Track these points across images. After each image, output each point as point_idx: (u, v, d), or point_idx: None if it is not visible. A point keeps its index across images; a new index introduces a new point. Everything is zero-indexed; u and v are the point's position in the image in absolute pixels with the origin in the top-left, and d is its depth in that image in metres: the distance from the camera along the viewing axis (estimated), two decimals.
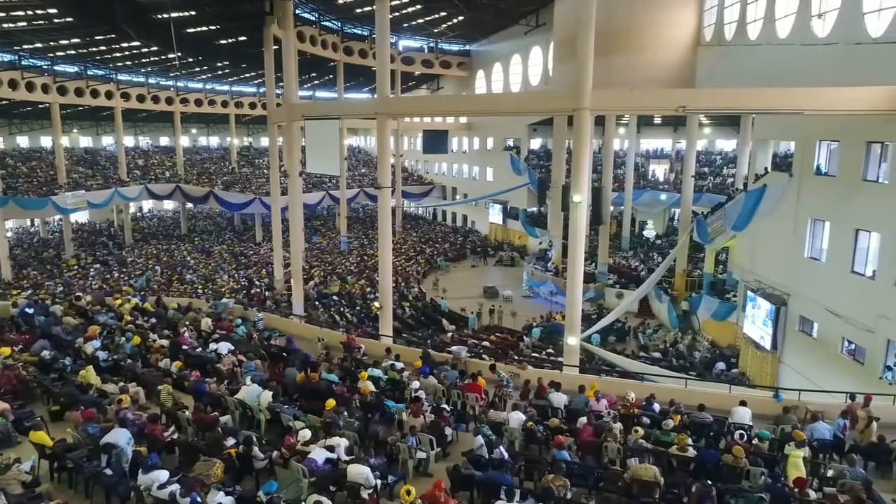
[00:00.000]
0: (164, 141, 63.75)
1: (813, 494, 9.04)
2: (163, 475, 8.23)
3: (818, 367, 19.57)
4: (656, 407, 12.76)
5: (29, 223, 53.27)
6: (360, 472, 8.84)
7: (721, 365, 23.74)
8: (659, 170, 44.61)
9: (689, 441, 10.67)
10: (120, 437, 9.17)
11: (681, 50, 29.97)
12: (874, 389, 15.66)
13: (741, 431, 11.55)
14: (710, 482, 8.96)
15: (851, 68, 17.89)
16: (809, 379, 19.45)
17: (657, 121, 44.05)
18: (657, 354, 25.22)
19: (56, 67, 41.67)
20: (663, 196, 40.03)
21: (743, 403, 12.49)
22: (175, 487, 8.04)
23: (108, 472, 8.73)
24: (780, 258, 21.65)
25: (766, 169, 24.52)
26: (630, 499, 9.40)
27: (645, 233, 41.19)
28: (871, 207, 17.17)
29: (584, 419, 11.66)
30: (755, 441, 11.13)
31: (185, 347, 15.53)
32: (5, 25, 31.18)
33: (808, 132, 20.21)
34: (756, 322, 22.45)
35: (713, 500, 8.53)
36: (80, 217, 53.83)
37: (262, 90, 56.11)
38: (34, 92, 39.77)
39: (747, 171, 30.55)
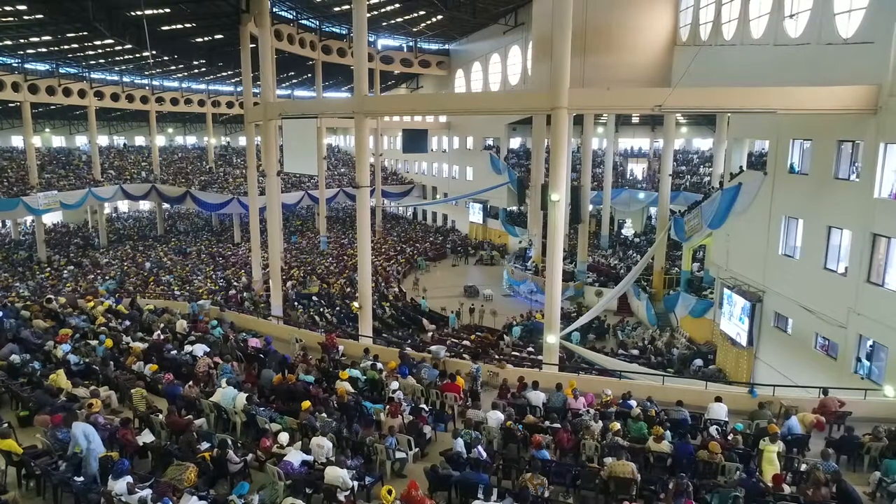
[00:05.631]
0: (139, 140, 62.83)
1: (787, 489, 9.18)
2: (121, 485, 8.02)
3: (792, 362, 19.84)
4: (633, 403, 12.85)
5: (0, 224, 52.10)
6: (336, 474, 8.76)
7: (698, 362, 23.98)
8: (637, 169, 45.04)
9: (665, 433, 10.80)
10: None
11: (657, 50, 30.31)
12: (846, 384, 15.97)
13: (716, 427, 11.67)
14: (684, 475, 9.03)
15: (823, 68, 18.18)
16: (784, 374, 19.72)
17: (635, 120, 44.48)
18: (636, 352, 25.40)
19: (26, 65, 40.82)
20: (641, 195, 40.43)
21: (718, 399, 12.65)
22: (147, 493, 7.89)
23: (78, 478, 8.56)
24: (755, 255, 21.93)
25: (741, 167, 24.86)
26: (607, 496, 9.45)
27: (623, 231, 41.55)
28: (843, 205, 17.44)
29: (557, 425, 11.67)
30: (730, 436, 11.25)
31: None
32: None
33: (781, 131, 20.47)
34: (732, 319, 22.72)
35: (689, 495, 8.59)
36: (55, 217, 52.82)
37: (239, 89, 55.63)
38: (4, 90, 39.01)
39: (723, 169, 30.96)
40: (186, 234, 52.81)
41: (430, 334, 25.43)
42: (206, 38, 40.01)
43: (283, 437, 10.13)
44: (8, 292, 29.43)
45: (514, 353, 22.59)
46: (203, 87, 57.35)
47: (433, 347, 17.40)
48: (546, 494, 8.85)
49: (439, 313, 30.83)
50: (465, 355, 18.35)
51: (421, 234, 52.90)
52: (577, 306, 31.59)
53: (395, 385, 13.22)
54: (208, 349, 15.24)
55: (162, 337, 16.39)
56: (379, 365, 14.89)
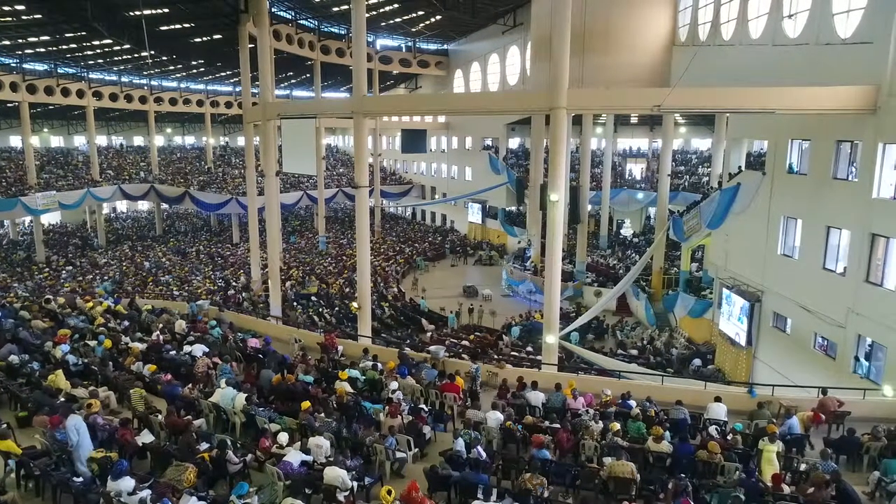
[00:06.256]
0: (138, 140, 62.74)
1: (787, 488, 9.19)
2: (128, 483, 8.01)
3: (791, 362, 19.86)
4: (632, 403, 12.86)
5: None
6: (336, 474, 8.75)
7: (697, 361, 23.98)
8: (636, 169, 45.05)
9: (665, 434, 10.80)
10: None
11: (656, 50, 30.31)
12: (845, 384, 15.99)
13: (716, 427, 11.68)
14: (684, 475, 9.03)
15: (822, 68, 18.20)
16: (783, 374, 19.74)
17: (634, 120, 44.50)
18: (635, 352, 25.40)
19: (25, 65, 40.76)
20: (640, 195, 40.42)
21: (717, 399, 12.66)
22: (146, 493, 7.87)
23: (77, 478, 8.55)
24: (754, 255, 21.94)
25: (739, 168, 24.86)
26: (607, 496, 9.45)
27: (622, 231, 41.56)
28: (841, 205, 17.46)
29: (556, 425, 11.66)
30: (730, 436, 11.26)
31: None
32: None
33: (780, 131, 20.49)
34: (731, 319, 22.72)
35: (689, 495, 8.59)
36: (53, 218, 52.74)
37: (237, 89, 55.52)
38: (2, 90, 38.96)
39: (722, 169, 30.96)
40: (185, 234, 52.77)
41: (429, 334, 25.40)
42: (204, 38, 39.92)
43: (283, 438, 10.12)
44: (6, 293, 29.35)
45: (513, 353, 22.59)
46: (202, 87, 57.30)
47: (432, 347, 17.40)
48: (546, 494, 8.85)
49: (438, 313, 30.80)
50: (464, 355, 18.37)
51: (420, 234, 52.87)
52: (576, 306, 31.59)
53: (394, 385, 13.21)
54: (207, 349, 15.22)
55: (161, 337, 16.36)
56: (378, 365, 14.89)
